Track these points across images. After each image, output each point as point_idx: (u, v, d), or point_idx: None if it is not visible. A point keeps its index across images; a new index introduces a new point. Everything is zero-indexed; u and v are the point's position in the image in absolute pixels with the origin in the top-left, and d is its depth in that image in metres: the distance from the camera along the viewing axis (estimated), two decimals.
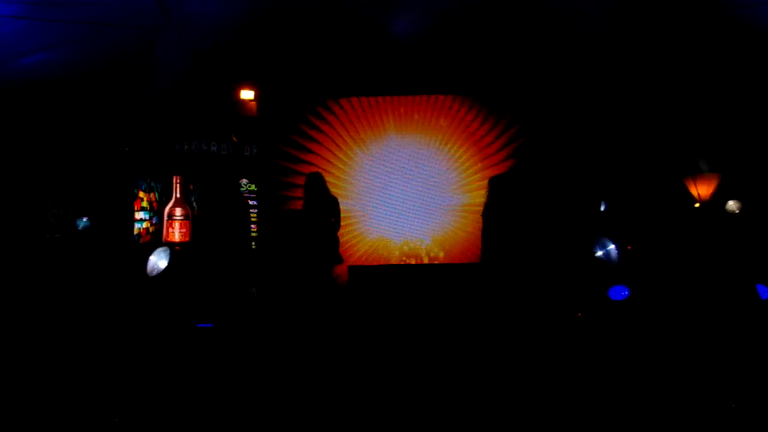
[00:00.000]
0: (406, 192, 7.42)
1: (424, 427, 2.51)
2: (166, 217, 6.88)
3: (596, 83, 6.26)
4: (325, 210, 5.61)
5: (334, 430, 2.52)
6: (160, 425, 2.53)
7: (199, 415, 2.63)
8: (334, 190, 6.02)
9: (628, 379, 3.09)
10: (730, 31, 4.76)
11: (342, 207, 5.94)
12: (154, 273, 5.22)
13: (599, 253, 5.58)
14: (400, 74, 6.86)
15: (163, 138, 6.94)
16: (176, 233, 7.29)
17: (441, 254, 7.34)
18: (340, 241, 5.94)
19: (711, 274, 4.51)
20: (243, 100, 6.94)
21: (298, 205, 6.28)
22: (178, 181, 7.43)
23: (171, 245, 5.88)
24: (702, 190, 6.56)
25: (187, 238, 7.28)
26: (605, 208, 6.48)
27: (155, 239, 6.61)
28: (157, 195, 6.96)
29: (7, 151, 6.23)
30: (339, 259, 5.85)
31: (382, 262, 7.22)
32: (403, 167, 7.47)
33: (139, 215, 7.37)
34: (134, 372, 3.39)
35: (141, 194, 7.46)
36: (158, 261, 5.27)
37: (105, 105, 5.79)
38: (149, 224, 6.87)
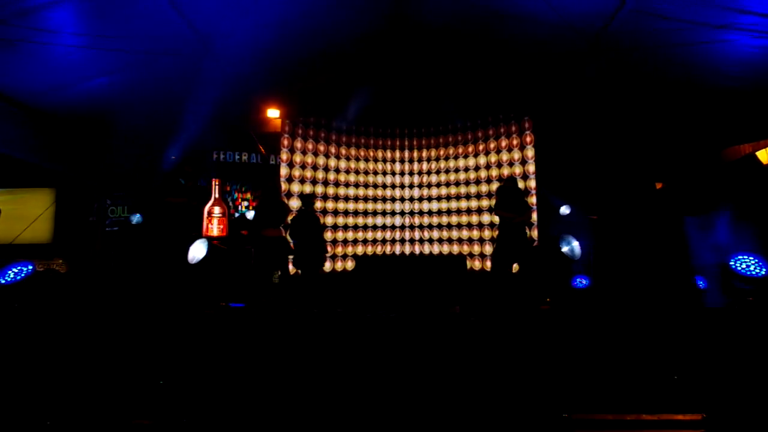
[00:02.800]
0: None
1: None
2: (206, 215, 6.86)
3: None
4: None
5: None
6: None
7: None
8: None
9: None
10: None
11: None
12: (194, 261, 5.17)
13: (564, 249, 5.53)
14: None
15: (202, 149, 6.91)
16: (215, 228, 7.27)
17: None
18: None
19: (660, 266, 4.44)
20: (269, 118, 6.92)
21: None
22: (216, 183, 7.41)
23: (209, 239, 5.85)
24: None
25: (224, 233, 7.26)
26: (570, 211, 6.43)
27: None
28: None
29: (75, 159, 6.21)
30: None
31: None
32: None
33: None
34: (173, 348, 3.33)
35: None
36: (198, 251, 5.23)
37: (153, 120, 5.74)
38: None
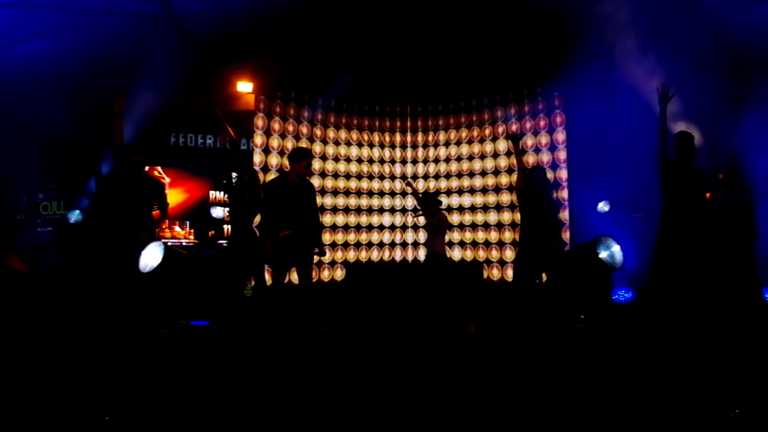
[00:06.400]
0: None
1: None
2: None
3: None
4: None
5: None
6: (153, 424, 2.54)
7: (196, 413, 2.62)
8: None
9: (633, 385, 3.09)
10: None
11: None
12: (147, 269, 5.17)
13: (602, 255, 5.58)
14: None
15: (157, 131, 6.92)
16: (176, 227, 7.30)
17: None
18: None
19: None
20: (240, 93, 6.94)
21: None
22: None
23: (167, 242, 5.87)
24: None
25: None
26: (610, 208, 6.48)
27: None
28: None
29: None
30: None
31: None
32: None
33: None
34: (126, 369, 3.38)
35: None
36: (152, 257, 5.23)
37: (97, 95, 5.77)
38: None
